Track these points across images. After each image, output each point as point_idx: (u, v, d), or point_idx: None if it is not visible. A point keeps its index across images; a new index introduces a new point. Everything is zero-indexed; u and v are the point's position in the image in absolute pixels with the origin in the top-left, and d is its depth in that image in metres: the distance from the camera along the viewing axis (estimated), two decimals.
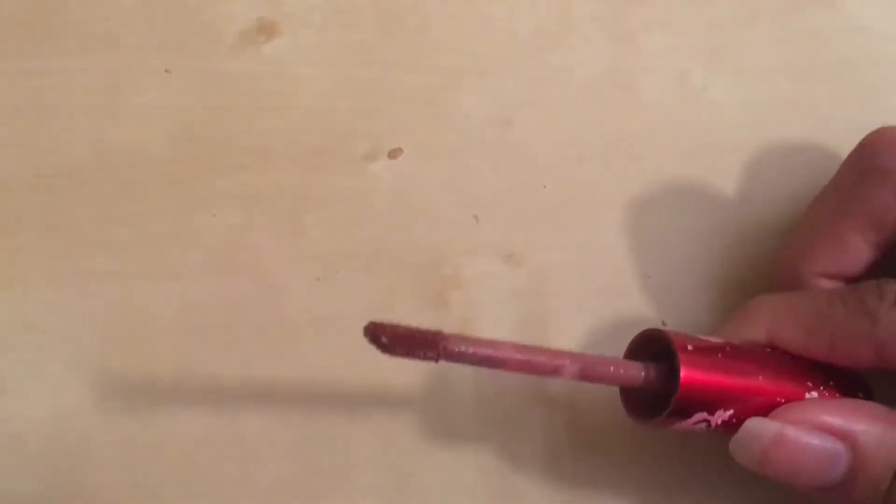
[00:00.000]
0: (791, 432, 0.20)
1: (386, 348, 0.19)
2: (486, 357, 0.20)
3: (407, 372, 0.26)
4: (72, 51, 0.28)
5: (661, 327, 0.21)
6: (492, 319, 0.26)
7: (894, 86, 0.29)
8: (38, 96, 0.28)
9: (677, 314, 0.26)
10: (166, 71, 0.28)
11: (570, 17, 0.30)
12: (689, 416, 0.21)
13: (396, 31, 0.29)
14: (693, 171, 0.28)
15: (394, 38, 0.29)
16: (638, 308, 0.26)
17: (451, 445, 0.25)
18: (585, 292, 0.27)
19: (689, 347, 0.21)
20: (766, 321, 0.22)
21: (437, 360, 0.19)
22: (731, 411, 0.21)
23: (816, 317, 0.22)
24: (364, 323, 0.26)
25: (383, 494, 0.25)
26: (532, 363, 0.20)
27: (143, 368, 0.25)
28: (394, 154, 0.28)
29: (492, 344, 0.20)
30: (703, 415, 0.21)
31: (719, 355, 0.21)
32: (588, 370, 0.20)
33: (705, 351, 0.21)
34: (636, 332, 0.22)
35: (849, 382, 0.22)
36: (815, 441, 0.20)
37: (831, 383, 0.22)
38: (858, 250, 0.22)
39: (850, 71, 0.29)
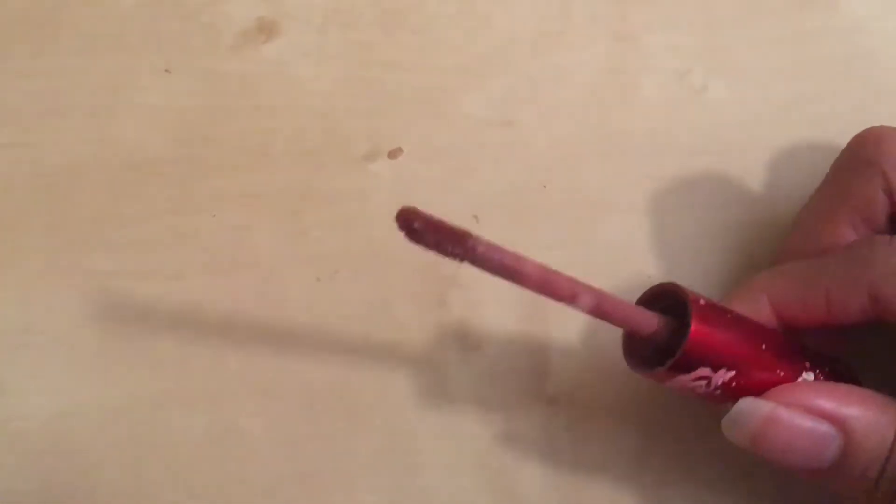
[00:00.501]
0: (784, 413, 0.20)
1: (416, 234, 0.18)
2: (508, 266, 0.19)
3: (408, 372, 0.26)
4: (72, 51, 0.28)
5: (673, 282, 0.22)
6: (491, 319, 0.26)
7: (894, 86, 0.29)
8: (39, 96, 0.28)
9: None
10: (166, 71, 0.28)
11: (570, 17, 0.30)
12: (692, 369, 0.21)
13: (397, 32, 0.29)
14: (693, 171, 0.28)
15: (394, 39, 0.29)
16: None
17: (452, 445, 0.25)
18: None
19: (702, 302, 0.21)
20: (766, 287, 0.23)
21: (462, 259, 0.19)
22: (733, 373, 0.21)
23: (812, 274, 0.22)
24: (364, 324, 0.26)
25: (383, 494, 0.25)
26: (551, 284, 0.20)
27: (144, 368, 0.25)
28: (394, 154, 0.28)
29: (517, 257, 0.19)
30: (707, 371, 0.21)
31: (728, 316, 0.21)
32: (604, 305, 0.20)
33: (716, 308, 0.21)
34: None
35: (841, 369, 0.23)
36: (807, 423, 0.20)
37: (826, 368, 0.22)
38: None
39: (850, 71, 0.29)
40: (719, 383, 0.21)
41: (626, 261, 0.27)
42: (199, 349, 0.26)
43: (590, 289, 0.20)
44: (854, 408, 0.20)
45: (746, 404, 0.21)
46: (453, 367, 0.26)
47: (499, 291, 0.26)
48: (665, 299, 0.22)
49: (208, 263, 0.26)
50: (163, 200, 0.27)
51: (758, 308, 0.23)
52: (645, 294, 0.22)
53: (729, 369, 0.21)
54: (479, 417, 0.25)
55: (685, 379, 0.21)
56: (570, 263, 0.27)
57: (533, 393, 0.26)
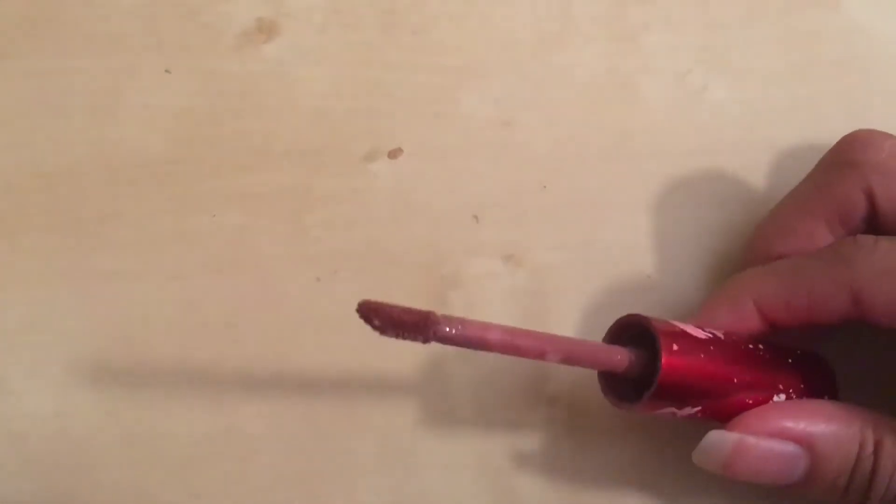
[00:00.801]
0: (750, 441, 0.21)
1: (377, 329, 0.19)
2: (473, 339, 0.20)
3: (407, 372, 0.26)
4: (72, 51, 0.28)
5: (645, 314, 0.22)
6: (491, 319, 0.26)
7: (894, 86, 0.29)
8: (39, 96, 0.28)
9: (677, 314, 0.26)
10: (166, 71, 0.28)
11: (570, 17, 0.30)
12: (659, 407, 0.21)
13: (397, 32, 0.29)
14: (693, 171, 0.28)
15: (394, 39, 0.29)
16: (638, 308, 0.26)
17: (451, 445, 0.25)
18: (585, 292, 0.27)
19: (675, 347, 0.21)
20: (749, 287, 0.23)
21: (426, 343, 0.20)
22: (699, 408, 0.22)
23: (796, 274, 0.22)
24: (365, 326, 0.26)
25: (383, 494, 0.25)
26: (518, 347, 0.20)
27: (144, 368, 0.25)
28: (394, 154, 0.28)
29: (481, 327, 0.20)
30: (671, 409, 0.21)
31: (702, 353, 0.21)
32: (573, 355, 0.21)
33: (689, 347, 0.21)
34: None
35: (816, 377, 0.23)
36: (773, 447, 0.21)
37: (801, 385, 0.22)
38: (824, 242, 0.23)
39: (850, 71, 0.29)
40: (685, 415, 0.22)
41: (626, 261, 0.27)
42: (199, 349, 0.26)
43: (556, 343, 0.21)
44: (819, 425, 0.21)
45: (714, 437, 0.21)
46: (453, 367, 0.26)
47: (499, 292, 0.26)
48: (634, 328, 0.22)
49: (208, 263, 0.26)
50: (163, 200, 0.27)
51: (741, 309, 0.23)
52: (613, 326, 0.23)
53: (694, 406, 0.21)
54: (479, 418, 0.25)
55: (653, 412, 0.22)
56: (571, 263, 0.27)
57: (533, 393, 0.26)
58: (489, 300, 0.26)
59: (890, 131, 0.23)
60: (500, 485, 0.25)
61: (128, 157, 0.27)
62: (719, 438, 0.21)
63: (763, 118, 0.28)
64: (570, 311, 0.26)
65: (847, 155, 0.23)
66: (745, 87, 0.29)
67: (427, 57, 0.29)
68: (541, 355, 0.21)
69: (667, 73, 0.29)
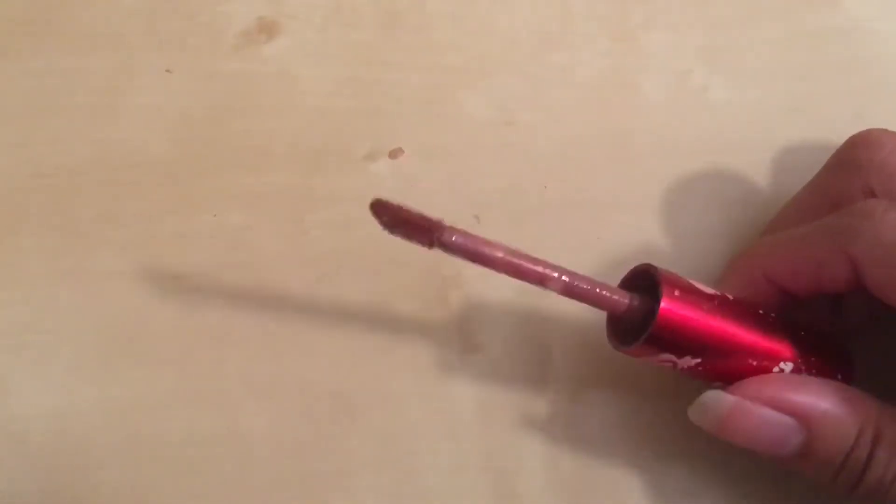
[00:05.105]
0: (747, 406, 0.21)
1: (386, 226, 0.19)
2: (478, 252, 0.20)
3: (408, 372, 0.26)
4: (73, 51, 0.28)
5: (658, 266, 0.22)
6: (492, 319, 0.26)
7: (894, 86, 0.29)
8: (39, 96, 0.28)
9: None
10: (167, 71, 0.28)
11: (570, 17, 0.30)
12: (658, 353, 0.21)
13: (397, 32, 0.29)
14: (693, 171, 0.28)
15: (395, 39, 0.29)
16: None
17: (452, 446, 0.25)
18: None
19: (676, 293, 0.21)
20: (760, 256, 0.23)
21: (430, 247, 0.20)
22: (699, 360, 0.21)
23: (803, 243, 0.22)
24: (365, 324, 0.26)
25: (383, 494, 0.25)
26: (521, 268, 0.20)
27: (144, 368, 0.25)
28: (394, 154, 0.28)
29: (486, 242, 0.20)
30: (670, 356, 0.21)
31: (705, 305, 0.21)
32: (575, 286, 0.21)
33: (692, 297, 0.21)
34: None
35: (831, 356, 0.23)
36: (770, 417, 0.21)
37: (812, 359, 0.22)
38: None
39: (851, 71, 0.29)
40: (685, 367, 0.22)
41: (627, 261, 0.27)
42: (200, 349, 0.26)
43: (561, 270, 0.21)
44: (821, 404, 0.21)
45: (711, 395, 0.21)
46: (454, 367, 0.26)
47: (500, 292, 0.26)
48: (646, 280, 0.22)
49: (209, 263, 0.26)
50: (163, 200, 0.27)
51: (751, 277, 0.23)
52: (627, 274, 0.23)
53: (694, 357, 0.21)
54: (480, 418, 0.25)
55: (653, 359, 0.22)
56: (571, 263, 0.27)
57: (533, 393, 0.26)
58: (490, 300, 0.26)
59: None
60: (500, 485, 0.25)
61: (128, 157, 0.27)
62: (717, 397, 0.21)
63: (763, 118, 0.29)
64: (571, 311, 0.26)
65: (849, 155, 0.23)
66: (745, 87, 0.29)
67: (428, 57, 0.29)
68: (542, 280, 0.20)
69: (667, 73, 0.29)
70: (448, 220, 0.27)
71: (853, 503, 0.21)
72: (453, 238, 0.20)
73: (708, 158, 0.28)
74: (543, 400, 0.26)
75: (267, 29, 0.29)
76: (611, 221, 0.27)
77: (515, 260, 0.20)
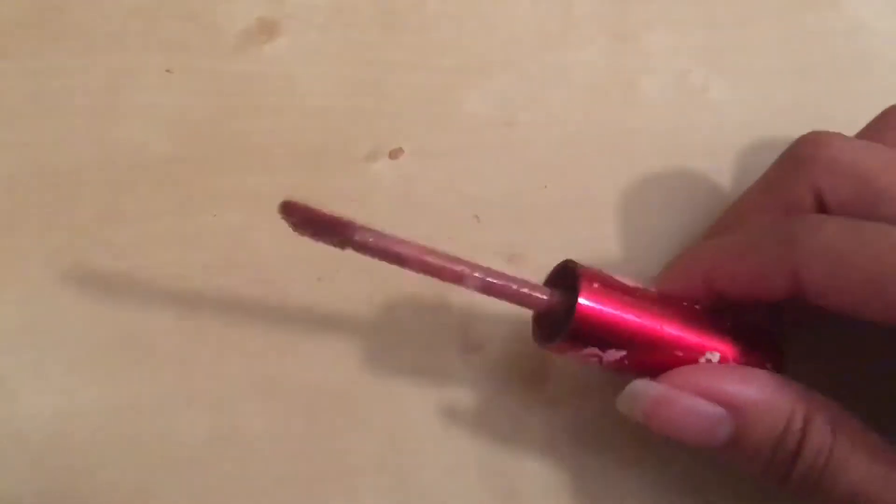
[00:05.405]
0: (673, 395, 0.21)
1: (296, 227, 0.19)
2: (389, 251, 0.20)
3: (408, 372, 0.26)
4: (73, 50, 0.28)
5: (577, 261, 0.22)
6: (492, 320, 0.26)
7: (894, 86, 0.29)
8: (40, 96, 0.28)
9: None
10: (168, 71, 0.28)
11: (571, 17, 0.30)
12: (582, 347, 0.21)
13: (398, 31, 0.29)
14: (694, 172, 0.28)
15: (395, 38, 0.29)
16: None
17: (452, 445, 0.25)
18: None
19: (595, 285, 0.21)
20: (698, 260, 0.23)
21: (343, 248, 0.20)
22: (624, 353, 0.21)
23: (743, 248, 0.22)
24: (365, 324, 0.26)
25: (383, 494, 0.25)
26: (434, 267, 0.20)
27: (144, 368, 0.25)
28: (395, 154, 0.28)
29: (399, 241, 0.20)
30: (595, 350, 0.21)
31: (626, 298, 0.21)
32: (492, 285, 0.21)
33: (612, 291, 0.21)
34: None
35: (759, 345, 0.23)
36: (697, 406, 0.20)
37: (739, 348, 0.22)
38: None
39: (851, 71, 0.29)
40: (611, 360, 0.21)
41: (627, 261, 0.27)
42: (200, 349, 0.26)
43: (476, 268, 0.21)
44: (748, 392, 0.20)
45: (638, 385, 0.21)
46: (454, 368, 0.26)
47: None
48: (567, 276, 0.22)
49: (209, 263, 0.26)
50: (163, 200, 0.27)
51: (689, 279, 0.23)
52: (550, 272, 0.23)
53: (619, 350, 0.21)
54: (480, 418, 0.25)
55: (578, 354, 0.21)
56: None
57: (533, 393, 0.26)
58: (490, 300, 0.26)
59: None
60: (500, 485, 0.25)
61: (128, 157, 0.27)
62: (643, 387, 0.21)
63: (764, 119, 0.29)
64: None
65: (797, 153, 0.23)
66: (745, 87, 0.29)
67: (428, 57, 0.29)
68: (458, 279, 0.20)
69: (667, 73, 0.29)
70: (448, 220, 0.27)
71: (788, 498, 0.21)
72: (367, 238, 0.19)
73: (708, 158, 0.28)
74: (542, 401, 0.26)
75: (267, 29, 0.29)
76: (611, 221, 0.27)
77: (430, 259, 0.20)
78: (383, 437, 0.25)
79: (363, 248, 0.20)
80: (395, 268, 0.26)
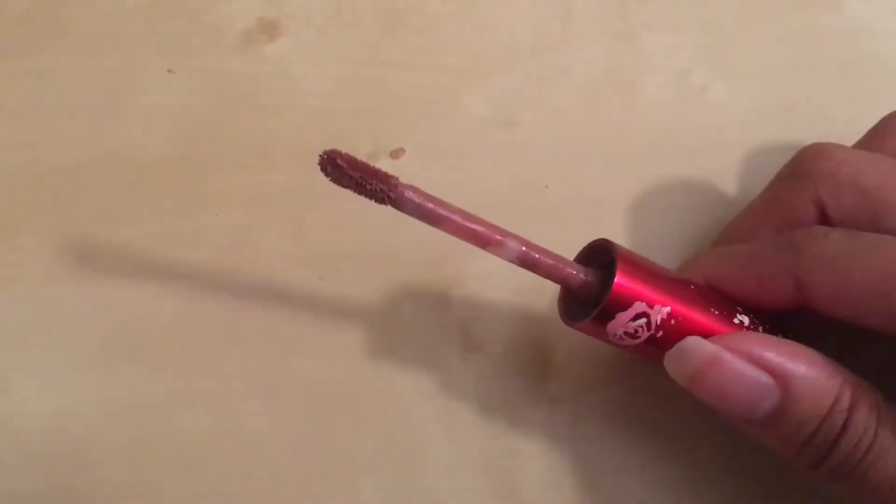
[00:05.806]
0: (727, 357, 0.20)
1: (341, 171, 0.19)
2: (431, 211, 0.20)
3: (409, 372, 0.26)
4: (74, 51, 0.28)
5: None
6: (493, 319, 0.26)
7: (894, 86, 0.29)
8: (40, 96, 0.28)
9: None
10: (168, 71, 0.28)
11: (571, 17, 0.30)
12: (627, 307, 0.21)
13: (398, 32, 0.29)
14: (693, 171, 0.28)
15: (396, 39, 0.29)
16: None
17: (453, 445, 0.25)
18: None
19: (631, 267, 0.21)
20: (704, 267, 0.23)
21: (384, 201, 0.19)
22: (668, 309, 0.21)
23: (748, 258, 0.22)
24: (366, 324, 0.26)
25: (384, 493, 0.25)
26: (475, 230, 0.20)
27: (144, 368, 0.25)
28: (395, 154, 0.28)
29: (442, 202, 0.20)
30: (643, 306, 0.21)
31: (656, 267, 0.22)
32: (531, 254, 0.21)
33: (644, 260, 0.22)
34: None
35: (778, 325, 0.23)
36: (748, 371, 0.20)
37: (758, 320, 0.22)
38: None
39: (850, 71, 0.29)
40: (658, 321, 0.21)
41: None
42: (201, 349, 0.26)
43: (517, 238, 0.20)
44: (799, 366, 0.20)
45: (691, 342, 0.21)
46: (455, 366, 0.26)
47: (501, 291, 0.26)
48: (599, 256, 0.22)
49: (209, 263, 0.26)
50: (164, 200, 0.27)
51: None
52: (581, 251, 0.23)
53: (664, 305, 0.21)
54: (481, 417, 0.25)
55: (623, 318, 0.21)
56: None
57: (535, 393, 0.26)
58: (491, 300, 0.26)
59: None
60: (501, 485, 0.25)
61: (129, 157, 0.27)
62: (697, 344, 0.21)
63: (764, 119, 0.29)
64: None
65: (799, 165, 0.23)
66: (745, 87, 0.29)
67: (428, 57, 0.29)
68: (498, 244, 0.20)
69: (667, 73, 0.29)
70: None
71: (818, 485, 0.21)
72: (409, 193, 0.19)
73: (708, 158, 0.28)
74: (543, 399, 0.26)
75: (268, 29, 0.29)
76: (611, 221, 0.27)
77: (469, 224, 0.20)
78: (384, 436, 0.25)
79: (404, 203, 0.19)
80: (395, 267, 0.27)
